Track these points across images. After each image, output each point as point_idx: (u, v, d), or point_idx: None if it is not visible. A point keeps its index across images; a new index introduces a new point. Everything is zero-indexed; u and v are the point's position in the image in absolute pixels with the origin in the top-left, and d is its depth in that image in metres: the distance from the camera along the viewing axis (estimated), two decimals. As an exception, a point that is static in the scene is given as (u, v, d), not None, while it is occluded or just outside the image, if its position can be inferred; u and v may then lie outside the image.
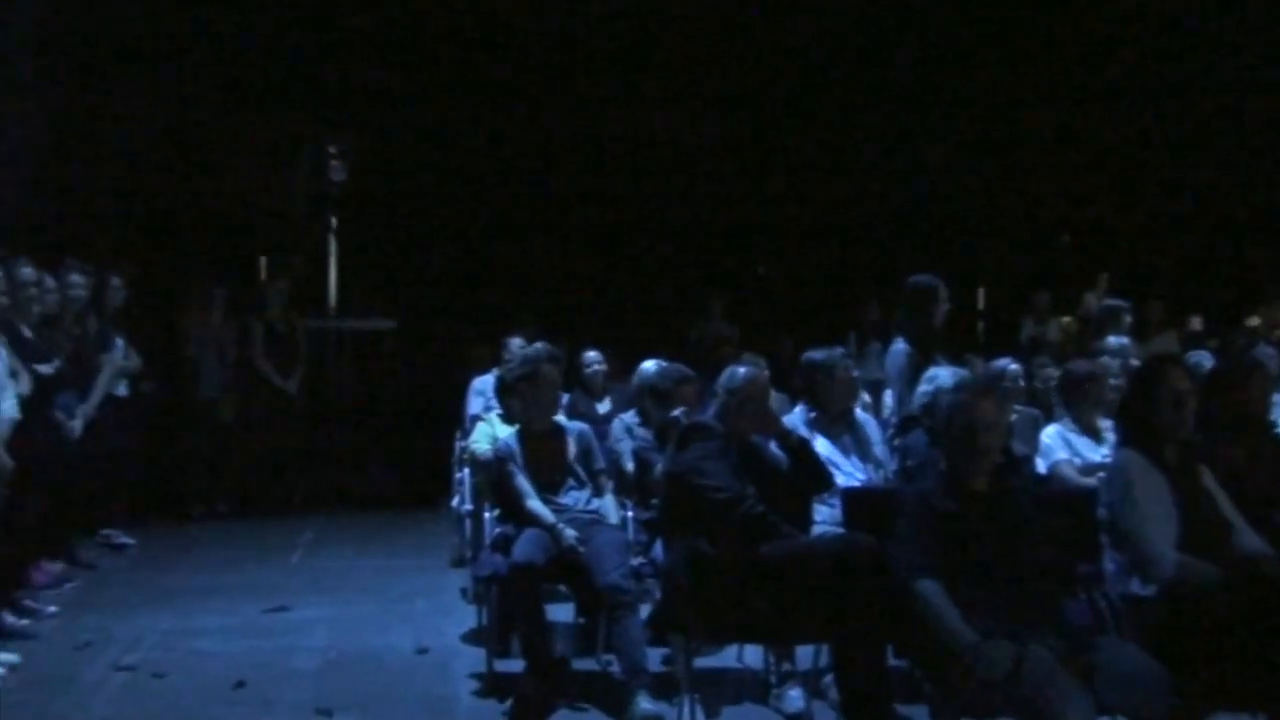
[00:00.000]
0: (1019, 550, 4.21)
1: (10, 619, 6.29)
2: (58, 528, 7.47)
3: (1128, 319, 8.42)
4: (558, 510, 5.72)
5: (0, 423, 5.83)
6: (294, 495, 10.29)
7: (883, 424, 6.74)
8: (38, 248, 7.78)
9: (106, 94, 10.70)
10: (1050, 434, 6.21)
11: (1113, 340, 7.65)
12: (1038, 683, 3.76)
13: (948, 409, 4.48)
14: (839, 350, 6.23)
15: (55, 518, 7.29)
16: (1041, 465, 6.09)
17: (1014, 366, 6.95)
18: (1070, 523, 4.74)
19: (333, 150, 12.19)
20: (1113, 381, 6.51)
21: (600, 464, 6.08)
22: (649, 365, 6.88)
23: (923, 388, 5.93)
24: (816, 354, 6.10)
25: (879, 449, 6.12)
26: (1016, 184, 13.84)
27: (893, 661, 4.76)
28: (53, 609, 6.78)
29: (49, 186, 9.52)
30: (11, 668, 5.66)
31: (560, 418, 6.26)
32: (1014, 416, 6.62)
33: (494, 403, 7.35)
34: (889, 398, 7.29)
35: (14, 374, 6.32)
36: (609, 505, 5.93)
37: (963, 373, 6.08)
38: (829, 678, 5.06)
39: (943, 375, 5.85)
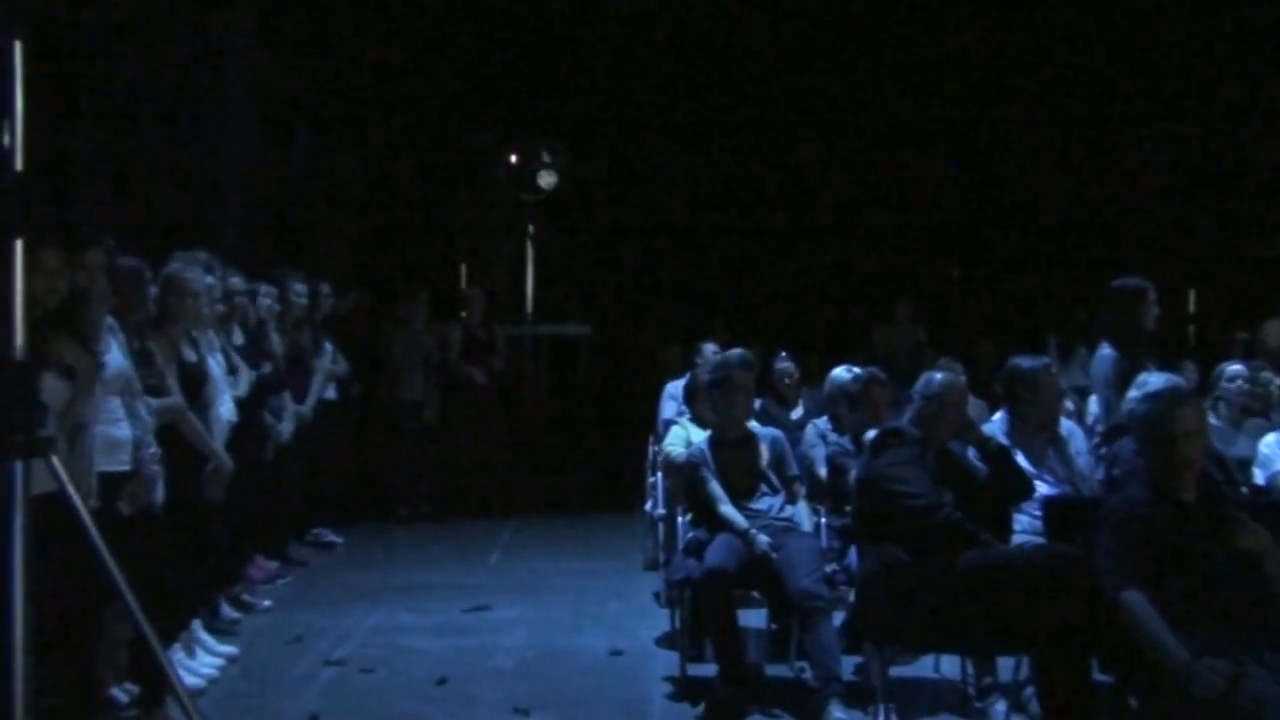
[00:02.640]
0: (1233, 563, 4.02)
1: (228, 612, 6.61)
2: (272, 526, 7.81)
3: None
4: (751, 516, 5.71)
5: (218, 425, 6.11)
6: (493, 497, 10.51)
7: (1087, 431, 6.52)
8: (256, 259, 8.19)
9: (319, 114, 11.16)
10: (1270, 443, 5.92)
11: None
12: (1256, 704, 3.58)
13: (1145, 417, 4.29)
14: (1045, 360, 6.01)
15: (270, 516, 7.62)
16: (1260, 476, 5.80)
17: (1236, 367, 6.64)
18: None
19: (546, 159, 12.40)
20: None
21: (793, 470, 6.05)
22: (841, 370, 6.81)
23: (1132, 394, 5.68)
24: (1021, 362, 5.86)
25: (1083, 460, 5.90)
26: (1230, 182, 13.21)
27: (1098, 677, 4.60)
28: (267, 603, 7.10)
29: (268, 203, 9.96)
30: (230, 659, 5.94)
31: (753, 424, 6.25)
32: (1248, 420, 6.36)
33: (686, 408, 7.39)
34: (1094, 404, 7.03)
35: (234, 372, 6.63)
36: (802, 512, 5.90)
37: (1176, 379, 5.82)
38: (1030, 690, 4.92)
39: (1154, 381, 5.60)
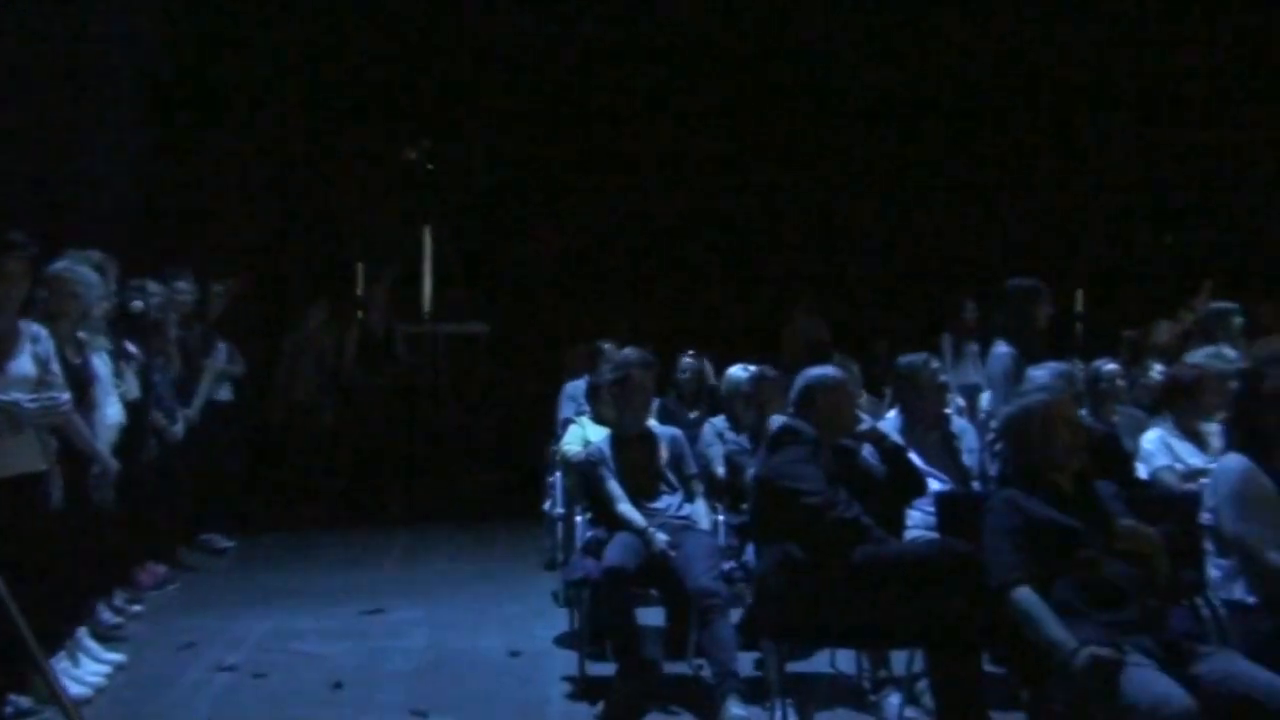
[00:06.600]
0: (1117, 556, 4.10)
1: (109, 617, 6.44)
2: (161, 530, 7.63)
3: (1238, 321, 8.11)
4: (649, 515, 5.73)
5: (105, 426, 5.97)
6: (390, 498, 10.41)
7: (980, 428, 6.63)
8: (147, 258, 7.99)
9: (209, 109, 10.94)
10: (1151, 438, 6.06)
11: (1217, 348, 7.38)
12: (1138, 691, 3.67)
13: (1020, 410, 4.38)
14: (924, 355, 6.13)
15: (159, 520, 7.45)
16: (1142, 470, 5.94)
17: (1110, 366, 6.79)
18: (1172, 528, 4.61)
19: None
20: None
21: (692, 469, 6.07)
22: (737, 369, 6.85)
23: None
24: (903, 359, 6.02)
25: (970, 458, 6.01)
26: (1112, 183, 13.57)
27: (989, 668, 4.69)
28: (138, 607, 6.90)
29: (158, 199, 9.74)
30: (118, 667, 5.80)
31: (652, 422, 6.26)
32: (1115, 418, 6.49)
33: (585, 407, 7.38)
34: (985, 401, 7.17)
35: (120, 376, 6.48)
36: (700, 510, 5.92)
37: (1064, 370, 5.93)
38: (924, 683, 4.99)
39: (1042, 376, 5.71)
